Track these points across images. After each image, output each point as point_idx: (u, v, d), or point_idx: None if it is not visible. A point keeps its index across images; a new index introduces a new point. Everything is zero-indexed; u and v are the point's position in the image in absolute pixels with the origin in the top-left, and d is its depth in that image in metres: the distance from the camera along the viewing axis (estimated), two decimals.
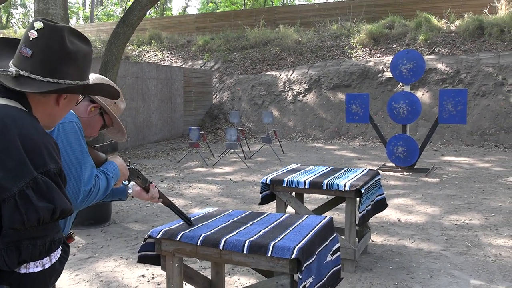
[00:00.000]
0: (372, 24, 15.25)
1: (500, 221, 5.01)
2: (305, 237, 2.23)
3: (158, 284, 3.55)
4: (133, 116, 11.40)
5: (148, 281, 3.61)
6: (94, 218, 5.07)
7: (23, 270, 1.07)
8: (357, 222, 3.76)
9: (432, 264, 3.85)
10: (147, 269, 3.82)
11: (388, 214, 5.33)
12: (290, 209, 4.41)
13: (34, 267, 1.08)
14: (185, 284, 2.87)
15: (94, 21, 29.86)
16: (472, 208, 5.54)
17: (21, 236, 1.05)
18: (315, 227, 2.40)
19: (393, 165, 8.13)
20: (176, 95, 13.04)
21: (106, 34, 20.84)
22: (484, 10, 14.13)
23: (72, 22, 36.05)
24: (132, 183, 1.98)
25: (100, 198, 1.68)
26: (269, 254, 2.09)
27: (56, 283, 3.60)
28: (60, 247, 1.16)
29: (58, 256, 1.14)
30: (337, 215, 5.24)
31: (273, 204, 5.28)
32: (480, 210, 5.44)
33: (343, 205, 5.04)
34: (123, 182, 1.92)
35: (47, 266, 1.10)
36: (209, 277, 2.92)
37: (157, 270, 3.77)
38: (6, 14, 29.99)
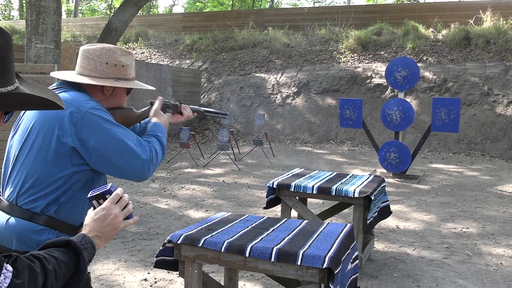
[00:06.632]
0: (361, 30, 15.36)
1: (497, 230, 5.06)
2: (333, 245, 2.17)
3: None
4: None
5: (151, 285, 3.50)
6: None
7: None
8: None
9: (436, 272, 3.85)
10: (148, 273, 3.71)
11: (386, 220, 5.32)
12: (293, 213, 4.35)
13: None
14: None
15: (78, 16, 29.32)
16: (467, 217, 5.58)
17: None
18: (339, 235, 2.35)
19: (384, 171, 8.16)
20: (164, 94, 12.86)
21: (91, 29, 20.46)
22: (470, 21, 14.38)
23: None
24: (167, 114, 1.99)
25: (163, 156, 1.73)
26: (299, 263, 2.03)
27: None
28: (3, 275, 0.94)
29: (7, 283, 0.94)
30: (335, 220, 5.21)
31: (274, 208, 5.24)
32: (476, 219, 5.48)
33: (344, 211, 5.06)
34: None
35: None
36: (222, 282, 2.84)
37: (158, 273, 3.67)
38: None
